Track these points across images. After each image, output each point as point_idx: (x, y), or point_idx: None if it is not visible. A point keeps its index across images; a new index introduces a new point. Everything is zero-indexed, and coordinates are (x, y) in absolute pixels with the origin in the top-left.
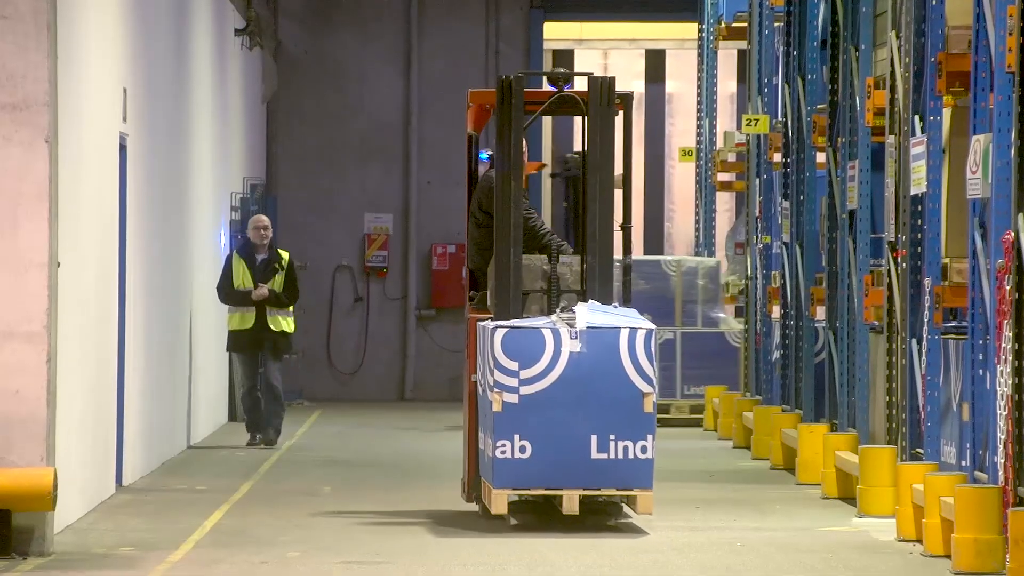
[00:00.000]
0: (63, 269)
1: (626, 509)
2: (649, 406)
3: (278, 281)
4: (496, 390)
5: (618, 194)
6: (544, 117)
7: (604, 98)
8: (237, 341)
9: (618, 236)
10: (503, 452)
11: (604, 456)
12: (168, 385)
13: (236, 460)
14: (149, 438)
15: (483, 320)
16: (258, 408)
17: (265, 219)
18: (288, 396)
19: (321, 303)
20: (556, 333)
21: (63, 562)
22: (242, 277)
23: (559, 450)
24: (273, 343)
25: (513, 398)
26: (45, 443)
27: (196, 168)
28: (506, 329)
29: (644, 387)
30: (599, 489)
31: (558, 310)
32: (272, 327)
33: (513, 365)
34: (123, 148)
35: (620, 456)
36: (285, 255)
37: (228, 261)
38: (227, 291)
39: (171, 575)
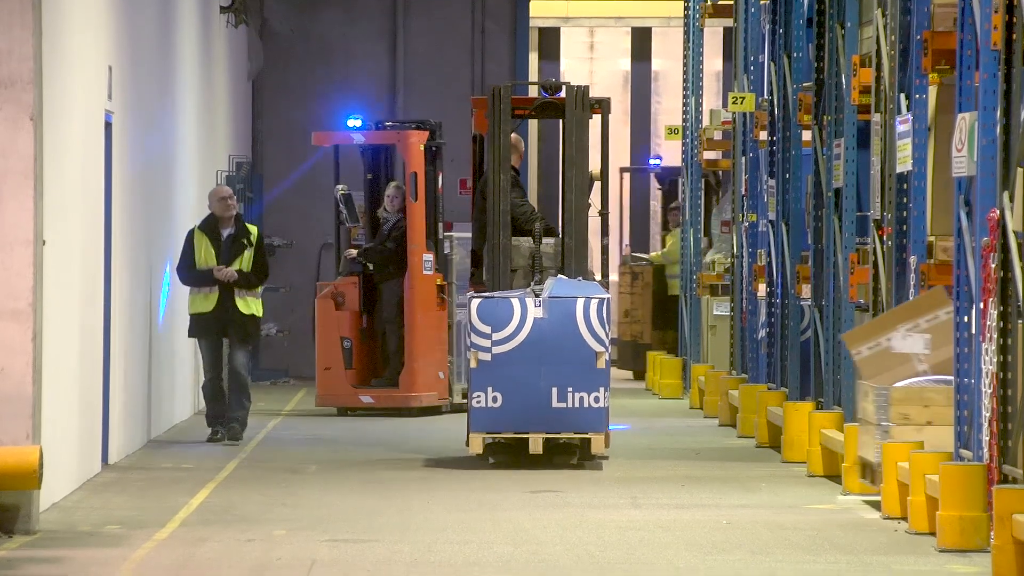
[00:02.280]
0: (48, 247)
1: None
2: (602, 363)
3: (246, 258)
4: (473, 350)
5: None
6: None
7: (579, 104)
8: (199, 325)
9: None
10: (478, 402)
11: (563, 405)
12: (153, 363)
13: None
14: (135, 416)
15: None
16: (221, 399)
17: (228, 189)
18: (274, 375)
19: (307, 281)
20: (523, 302)
21: (49, 540)
22: (204, 255)
23: (525, 400)
24: (240, 327)
25: (487, 356)
26: (31, 421)
27: (181, 146)
28: (480, 299)
29: (597, 347)
30: (559, 433)
31: (532, 283)
32: (242, 308)
33: (487, 329)
34: (108, 126)
35: (577, 405)
36: (254, 230)
37: (189, 237)
38: (187, 271)
39: (157, 553)
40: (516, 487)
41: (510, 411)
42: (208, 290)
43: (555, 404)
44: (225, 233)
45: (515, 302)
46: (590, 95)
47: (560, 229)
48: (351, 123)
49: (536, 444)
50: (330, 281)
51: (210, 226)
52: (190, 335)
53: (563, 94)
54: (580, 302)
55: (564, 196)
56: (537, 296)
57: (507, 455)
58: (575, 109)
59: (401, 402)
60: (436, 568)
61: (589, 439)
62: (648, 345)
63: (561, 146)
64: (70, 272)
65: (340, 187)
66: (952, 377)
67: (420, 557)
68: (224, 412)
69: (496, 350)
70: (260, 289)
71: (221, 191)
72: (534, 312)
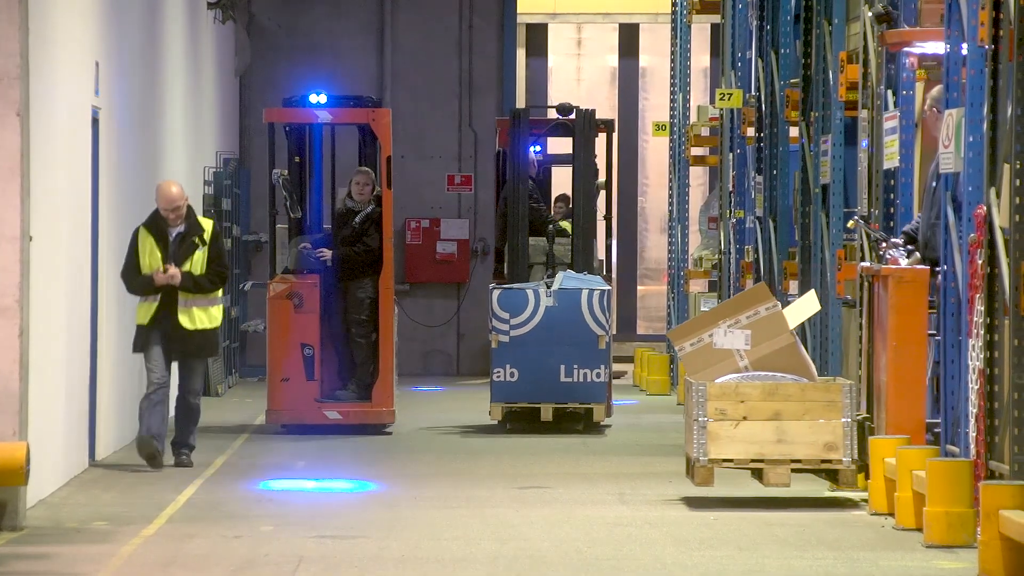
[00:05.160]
0: (35, 243)
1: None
2: (602, 344)
3: (198, 260)
4: (493, 332)
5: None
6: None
7: (587, 124)
8: (139, 339)
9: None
10: (498, 377)
11: (570, 380)
12: (141, 359)
13: (210, 435)
14: (122, 412)
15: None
16: (157, 415)
17: (176, 189)
18: (261, 371)
19: None
20: (536, 292)
21: (36, 537)
22: (149, 258)
23: (537, 375)
24: (184, 345)
25: (505, 338)
26: (18, 417)
27: (169, 142)
28: (500, 290)
29: (599, 331)
30: (567, 403)
31: (545, 277)
32: (184, 323)
33: (505, 315)
34: (95, 122)
35: (581, 380)
36: (208, 225)
37: (134, 237)
38: (130, 277)
39: (144, 550)
40: (504, 484)
41: (525, 385)
42: (152, 299)
43: (563, 379)
44: (173, 232)
45: (530, 293)
46: (596, 116)
47: (571, 230)
48: (314, 99)
49: (547, 413)
50: (277, 278)
51: (156, 223)
52: (134, 350)
53: (574, 115)
54: (585, 293)
55: (574, 203)
56: (548, 288)
57: (522, 422)
58: (583, 129)
59: (375, 418)
60: (424, 564)
61: (592, 409)
62: None
63: (572, 161)
64: (57, 268)
65: (279, 171)
66: (771, 373)
67: (408, 554)
68: (159, 432)
69: (513, 333)
70: (219, 294)
71: (169, 193)
72: (545, 301)
